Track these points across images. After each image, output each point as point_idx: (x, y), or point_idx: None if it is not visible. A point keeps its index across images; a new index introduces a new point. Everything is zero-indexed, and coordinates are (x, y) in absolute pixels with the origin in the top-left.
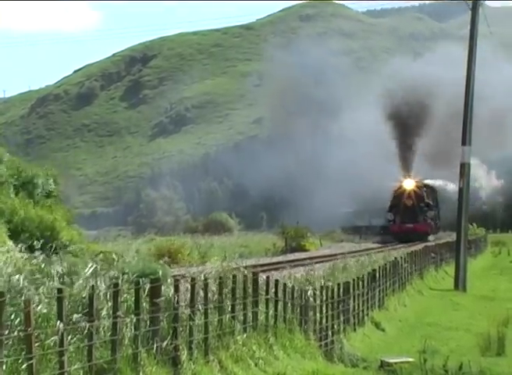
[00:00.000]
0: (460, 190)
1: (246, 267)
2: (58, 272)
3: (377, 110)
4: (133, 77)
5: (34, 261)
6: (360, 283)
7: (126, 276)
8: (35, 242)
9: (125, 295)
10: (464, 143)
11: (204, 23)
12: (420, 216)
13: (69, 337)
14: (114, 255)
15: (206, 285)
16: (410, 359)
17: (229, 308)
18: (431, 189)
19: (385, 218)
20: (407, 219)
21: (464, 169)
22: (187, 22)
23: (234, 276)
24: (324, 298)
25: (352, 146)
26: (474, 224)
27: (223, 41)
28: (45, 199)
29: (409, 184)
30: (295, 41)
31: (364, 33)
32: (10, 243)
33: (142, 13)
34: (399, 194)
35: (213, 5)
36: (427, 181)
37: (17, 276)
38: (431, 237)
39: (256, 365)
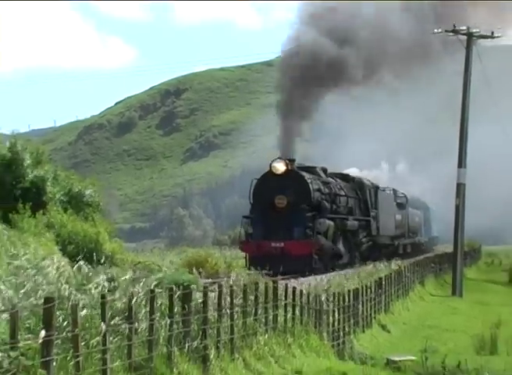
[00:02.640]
0: (457, 207)
1: (267, 275)
2: (101, 280)
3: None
4: (168, 108)
5: (81, 270)
6: (368, 290)
7: (161, 284)
8: (81, 253)
9: (160, 300)
10: (460, 165)
11: (230, 60)
12: (297, 228)
13: (111, 338)
14: (153, 265)
15: (232, 291)
16: (413, 358)
17: (253, 312)
18: (347, 182)
19: (243, 229)
20: (275, 234)
21: (460, 189)
22: (215, 59)
23: (257, 284)
24: (336, 303)
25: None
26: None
27: (247, 75)
28: (91, 211)
29: (281, 168)
30: None
31: None
32: (59, 254)
33: (174, 51)
34: (262, 188)
35: (238, 43)
36: (350, 170)
37: (65, 285)
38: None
39: (276, 362)
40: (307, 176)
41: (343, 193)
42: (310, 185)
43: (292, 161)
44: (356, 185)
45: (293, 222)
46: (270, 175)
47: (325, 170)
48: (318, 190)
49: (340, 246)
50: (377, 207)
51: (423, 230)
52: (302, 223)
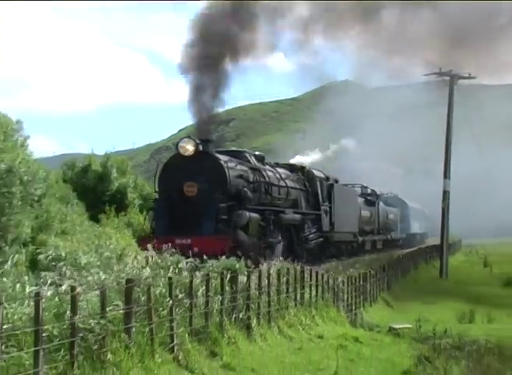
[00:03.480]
0: (443, 209)
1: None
2: (169, 266)
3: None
4: (219, 133)
5: (155, 259)
6: (374, 273)
7: (215, 269)
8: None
9: (213, 281)
10: (445, 176)
11: (267, 97)
12: (208, 221)
13: (177, 310)
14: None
15: (269, 275)
16: (409, 326)
17: (285, 290)
18: (293, 172)
19: (150, 223)
20: (181, 228)
21: (445, 195)
22: (255, 95)
23: (288, 269)
24: (349, 283)
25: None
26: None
27: (279, 108)
28: None
29: (190, 149)
30: (327, 107)
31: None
32: (135, 246)
33: None
34: (168, 173)
35: (273, 83)
36: (297, 159)
37: (141, 269)
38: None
39: (303, 329)
40: (224, 159)
41: (283, 183)
42: (226, 170)
43: (207, 142)
44: (305, 177)
45: (203, 214)
46: (178, 157)
47: (259, 157)
48: (240, 176)
49: (274, 242)
50: (331, 201)
51: (399, 227)
52: (214, 216)
